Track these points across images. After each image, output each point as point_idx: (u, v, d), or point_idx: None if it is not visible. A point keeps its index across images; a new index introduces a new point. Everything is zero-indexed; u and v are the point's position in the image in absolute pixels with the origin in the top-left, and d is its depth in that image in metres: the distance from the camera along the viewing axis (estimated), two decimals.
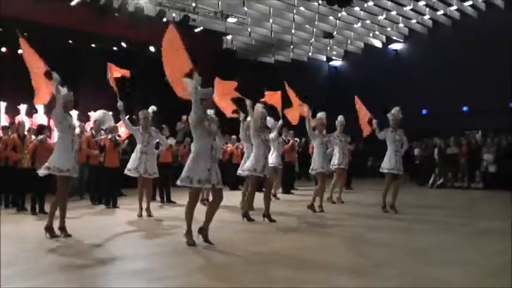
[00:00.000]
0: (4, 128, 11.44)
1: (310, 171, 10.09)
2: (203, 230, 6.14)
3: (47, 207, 9.49)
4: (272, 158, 10.88)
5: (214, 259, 5.54)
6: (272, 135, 9.49)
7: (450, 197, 13.21)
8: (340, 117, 11.02)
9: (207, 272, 5.01)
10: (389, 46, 22.14)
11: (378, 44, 22.25)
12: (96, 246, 6.39)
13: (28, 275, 4.83)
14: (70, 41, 16.16)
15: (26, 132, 10.47)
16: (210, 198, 7.46)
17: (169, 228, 7.90)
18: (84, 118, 14.24)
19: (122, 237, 7.07)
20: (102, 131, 11.00)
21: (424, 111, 19.96)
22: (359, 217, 8.99)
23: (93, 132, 11.14)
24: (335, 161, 11.10)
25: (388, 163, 9.44)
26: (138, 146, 9.12)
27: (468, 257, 5.50)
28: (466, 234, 7.07)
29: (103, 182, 10.75)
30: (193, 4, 16.53)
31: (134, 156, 9.12)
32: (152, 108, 9.60)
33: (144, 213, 9.03)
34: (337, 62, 24.76)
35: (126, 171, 9.16)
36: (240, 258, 5.53)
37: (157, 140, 9.41)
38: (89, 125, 13.23)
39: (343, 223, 8.33)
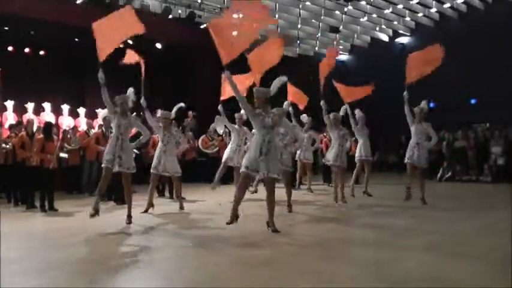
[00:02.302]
0: (12, 127, 11.55)
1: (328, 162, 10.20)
2: (269, 223, 6.65)
3: (56, 205, 9.58)
4: (302, 152, 11.41)
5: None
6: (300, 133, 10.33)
7: (459, 190, 13.18)
8: (359, 112, 10.96)
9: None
10: (396, 40, 22.03)
11: (384, 37, 22.15)
12: (106, 242, 6.43)
13: (37, 271, 4.86)
14: (76, 39, 16.20)
15: (34, 131, 10.54)
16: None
17: (181, 223, 7.94)
18: (92, 115, 14.34)
19: (134, 233, 7.09)
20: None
21: (431, 105, 19.83)
22: (363, 209, 8.99)
23: (103, 130, 11.19)
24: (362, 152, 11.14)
25: (407, 153, 9.67)
26: (159, 145, 9.31)
27: (476, 250, 5.49)
28: (474, 227, 7.04)
29: (113, 179, 10.74)
30: (199, 0, 16.52)
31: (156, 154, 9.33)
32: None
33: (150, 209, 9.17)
34: (343, 56, 24.68)
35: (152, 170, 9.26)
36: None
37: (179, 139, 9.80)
38: (97, 122, 13.31)
39: (348, 217, 8.35)
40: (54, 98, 15.22)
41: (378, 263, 4.97)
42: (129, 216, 7.72)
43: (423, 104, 9.72)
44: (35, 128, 10.75)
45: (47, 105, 14.74)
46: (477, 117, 18.17)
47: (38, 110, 14.54)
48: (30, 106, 14.26)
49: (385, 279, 4.39)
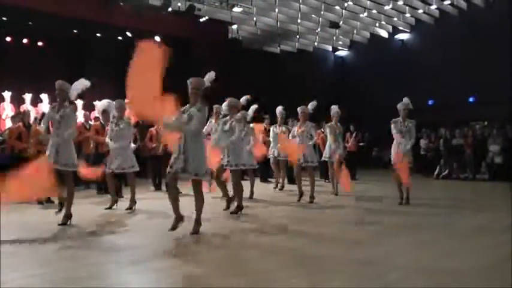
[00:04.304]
0: (12, 118, 11.57)
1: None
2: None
3: (53, 197, 9.55)
4: (276, 149, 11.25)
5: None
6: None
7: (455, 188, 13.16)
8: (334, 107, 10.75)
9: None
10: (396, 36, 22.00)
11: (384, 34, 22.12)
12: (101, 236, 6.42)
13: (30, 265, 4.84)
14: (75, 31, 16.15)
15: (31, 121, 10.51)
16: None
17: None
18: (89, 107, 14.32)
19: (130, 226, 7.08)
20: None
21: (430, 102, 19.87)
22: (362, 208, 8.98)
23: (102, 122, 11.12)
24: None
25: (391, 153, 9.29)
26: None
27: (468, 249, 5.48)
28: (468, 227, 7.01)
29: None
30: None
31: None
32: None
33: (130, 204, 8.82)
34: (343, 52, 24.63)
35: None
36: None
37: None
38: (94, 114, 13.29)
39: (343, 215, 8.36)
40: (52, 89, 15.14)
41: (369, 262, 4.96)
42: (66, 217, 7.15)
43: (405, 100, 9.33)
44: (31, 119, 10.73)
45: (44, 97, 14.71)
46: (475, 115, 18.18)
47: (36, 101, 14.51)
48: (27, 97, 14.23)
49: (377, 279, 4.39)
